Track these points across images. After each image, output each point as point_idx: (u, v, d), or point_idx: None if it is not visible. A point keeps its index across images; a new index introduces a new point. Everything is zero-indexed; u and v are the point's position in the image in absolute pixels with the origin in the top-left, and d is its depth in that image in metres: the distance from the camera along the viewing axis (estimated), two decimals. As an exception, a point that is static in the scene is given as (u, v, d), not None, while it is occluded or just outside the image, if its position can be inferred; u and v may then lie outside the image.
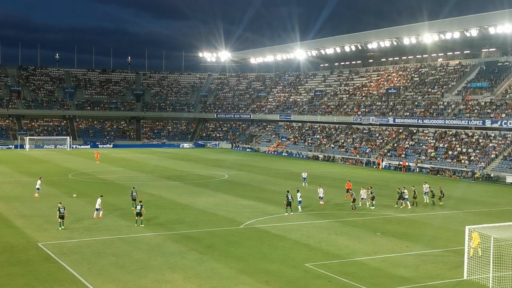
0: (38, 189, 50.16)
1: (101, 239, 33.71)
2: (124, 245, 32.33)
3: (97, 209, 39.87)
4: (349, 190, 49.31)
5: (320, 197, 46.77)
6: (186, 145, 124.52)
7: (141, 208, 37.98)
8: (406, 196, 46.93)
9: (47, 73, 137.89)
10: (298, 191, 45.73)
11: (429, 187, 51.24)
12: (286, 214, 42.10)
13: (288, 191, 43.77)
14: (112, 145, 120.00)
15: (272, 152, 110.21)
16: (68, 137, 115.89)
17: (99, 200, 39.96)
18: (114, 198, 49.02)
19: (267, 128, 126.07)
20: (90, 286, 24.64)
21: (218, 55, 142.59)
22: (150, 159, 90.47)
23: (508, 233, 31.86)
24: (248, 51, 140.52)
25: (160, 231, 36.16)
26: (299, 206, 43.65)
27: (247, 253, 31.20)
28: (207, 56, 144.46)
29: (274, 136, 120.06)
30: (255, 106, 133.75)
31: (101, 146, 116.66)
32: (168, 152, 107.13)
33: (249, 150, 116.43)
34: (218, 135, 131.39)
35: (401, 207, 46.61)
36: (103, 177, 65.28)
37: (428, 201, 49.79)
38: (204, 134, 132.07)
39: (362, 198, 46.53)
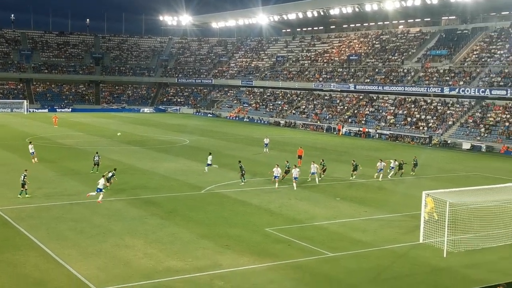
0: (32, 153, 48.39)
1: (60, 204, 33.29)
2: (84, 210, 32.02)
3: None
4: (301, 156, 50.20)
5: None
6: (146, 109, 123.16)
7: (112, 176, 37.57)
8: (382, 168, 44.72)
9: (2, 35, 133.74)
10: (240, 162, 42.95)
11: (396, 161, 47.15)
12: (242, 183, 41.11)
13: (239, 161, 42.91)
14: (70, 109, 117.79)
15: (234, 118, 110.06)
16: (25, 101, 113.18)
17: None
18: (73, 163, 48.34)
19: (228, 94, 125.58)
20: (48, 251, 24.40)
21: (179, 19, 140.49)
22: (110, 124, 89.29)
23: (463, 198, 32.71)
24: (209, 15, 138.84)
25: (120, 196, 35.90)
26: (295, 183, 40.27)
27: (208, 218, 31.30)
28: (168, 19, 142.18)
29: (235, 101, 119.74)
30: (216, 71, 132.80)
31: (59, 110, 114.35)
32: (128, 117, 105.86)
33: (211, 115, 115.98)
34: (179, 100, 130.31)
35: (375, 177, 44.71)
36: (62, 141, 64.21)
37: (393, 175, 46.40)
38: (165, 99, 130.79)
39: (312, 173, 43.09)
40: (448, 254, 25.50)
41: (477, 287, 20.53)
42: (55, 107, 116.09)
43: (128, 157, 53.04)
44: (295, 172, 40.17)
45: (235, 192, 38.27)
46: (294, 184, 39.90)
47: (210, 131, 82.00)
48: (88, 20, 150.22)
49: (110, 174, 37.74)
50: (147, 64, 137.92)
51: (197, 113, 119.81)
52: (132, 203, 34.21)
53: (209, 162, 45.78)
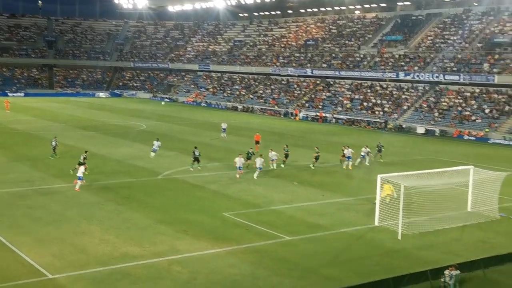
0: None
1: (14, 191, 32.58)
2: (38, 197, 31.42)
3: None
4: (258, 142, 49.95)
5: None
6: (102, 94, 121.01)
7: (83, 159, 36.88)
8: (350, 155, 42.85)
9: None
10: (195, 148, 41.34)
11: (367, 148, 45.99)
12: (192, 169, 40.25)
13: (195, 147, 41.60)
14: (23, 93, 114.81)
15: (191, 103, 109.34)
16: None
17: None
18: (26, 149, 47.31)
19: (185, 78, 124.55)
20: (1, 239, 23.88)
21: (134, 2, 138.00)
22: (64, 109, 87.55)
23: (417, 181, 33.40)
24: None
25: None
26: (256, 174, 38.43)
27: (165, 203, 31.13)
28: (123, 2, 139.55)
29: (193, 86, 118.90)
30: (173, 55, 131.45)
31: (11, 94, 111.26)
32: (83, 102, 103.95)
33: (168, 100, 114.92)
34: (135, 84, 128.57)
35: (344, 168, 42.95)
36: (14, 126, 62.68)
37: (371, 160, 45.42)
38: (120, 84, 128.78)
39: (272, 159, 41.92)
40: (402, 237, 26.03)
41: (430, 268, 21.01)
42: (6, 92, 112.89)
43: (83, 142, 52.12)
44: (259, 161, 38.44)
45: (192, 177, 38.11)
46: (256, 173, 38.12)
47: (167, 116, 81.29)
48: (40, 2, 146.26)
49: (82, 158, 37.09)
50: (102, 48, 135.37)
51: (154, 98, 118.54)
52: (88, 189, 33.70)
53: (155, 147, 45.30)
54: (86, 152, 38.33)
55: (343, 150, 43.83)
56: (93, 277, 20.33)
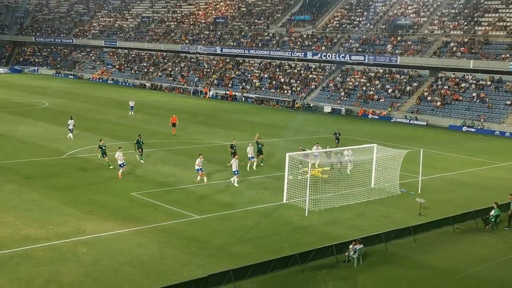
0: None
1: None
2: None
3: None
4: (175, 124, 47.66)
5: (250, 157, 35.43)
6: (1, 70, 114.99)
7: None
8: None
9: None
10: (139, 136, 37.05)
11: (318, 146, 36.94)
12: (142, 161, 35.99)
13: (139, 135, 37.21)
14: None
15: (97, 80, 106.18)
16: None
17: None
18: None
19: (91, 54, 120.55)
20: None
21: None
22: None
23: (323, 159, 34.24)
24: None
25: (-28, 162, 33.48)
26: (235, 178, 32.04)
27: (70, 184, 30.13)
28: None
29: (98, 62, 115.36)
30: (78, 30, 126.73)
31: None
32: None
33: (72, 77, 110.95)
34: (37, 60, 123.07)
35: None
36: None
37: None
38: (21, 59, 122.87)
39: (250, 158, 35.44)
40: (309, 213, 26.62)
41: (335, 242, 21.63)
42: None
43: (-20, 120, 49.41)
44: (234, 163, 31.50)
45: (97, 157, 37.06)
46: (234, 179, 31.61)
47: (71, 93, 78.50)
48: None
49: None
50: (0, 21, 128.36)
51: (58, 75, 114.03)
52: (-14, 169, 32.04)
53: (70, 127, 43.08)
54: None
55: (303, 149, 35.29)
56: (-8, 262, 19.40)
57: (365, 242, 21.56)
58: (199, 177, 31.63)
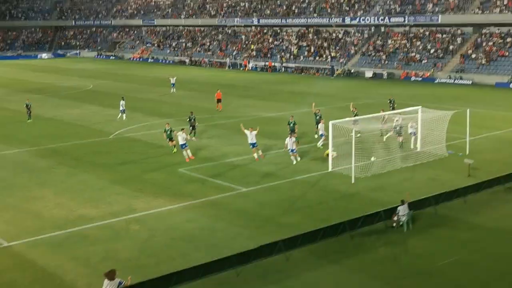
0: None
1: (-41, 161, 31.60)
2: (-15, 165, 30.58)
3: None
4: (220, 100, 46.80)
5: (291, 149, 30.12)
6: (44, 55, 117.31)
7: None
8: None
9: None
10: (191, 113, 36.62)
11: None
12: (194, 138, 34.90)
13: (191, 112, 36.75)
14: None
15: (138, 59, 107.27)
16: None
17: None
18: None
19: (130, 34, 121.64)
20: (-49, 211, 23.25)
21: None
22: (6, 72, 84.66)
23: (367, 125, 33.89)
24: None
25: (24, 147, 34.47)
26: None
27: (118, 163, 30.76)
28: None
29: (138, 42, 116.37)
30: (115, 10, 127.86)
31: None
32: (25, 64, 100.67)
33: (113, 57, 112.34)
34: (78, 43, 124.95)
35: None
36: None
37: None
38: (63, 43, 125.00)
39: (291, 150, 30.08)
40: (356, 180, 26.54)
41: (384, 208, 21.56)
42: None
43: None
44: (290, 142, 29.94)
45: (144, 135, 37.70)
46: (292, 158, 30.17)
47: (114, 74, 79.64)
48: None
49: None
50: (40, 6, 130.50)
51: (99, 56, 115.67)
52: (37, 153, 33.00)
53: (122, 108, 43.11)
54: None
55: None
56: (50, 242, 20.09)
57: (414, 206, 21.41)
58: (255, 154, 30.61)
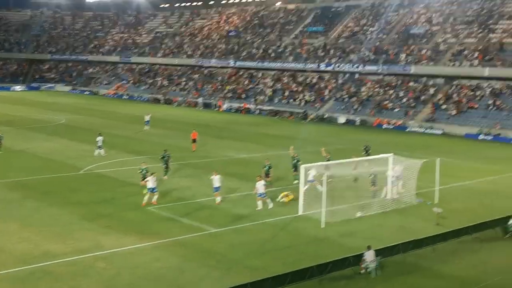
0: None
1: None
2: (-50, 196, 29.94)
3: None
4: (195, 140, 46.75)
5: (215, 187, 30.27)
6: (18, 87, 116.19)
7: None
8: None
9: None
10: (165, 151, 36.71)
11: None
12: (166, 177, 35.36)
13: (165, 150, 37.04)
14: None
15: (113, 95, 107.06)
16: None
17: None
18: None
19: (106, 70, 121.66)
20: None
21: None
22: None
23: (339, 170, 34.10)
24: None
25: (-9, 179, 33.90)
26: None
27: (88, 199, 30.40)
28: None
29: (114, 78, 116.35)
30: (92, 46, 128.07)
31: None
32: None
33: (88, 93, 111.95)
34: (53, 76, 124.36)
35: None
36: None
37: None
38: (38, 76, 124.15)
39: (260, 195, 29.29)
40: (326, 225, 26.60)
41: (353, 254, 21.59)
42: None
43: (-1, 138, 49.94)
44: (259, 185, 29.23)
45: (115, 172, 37.41)
46: (259, 202, 29.32)
47: (88, 109, 79.25)
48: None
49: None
50: (17, 39, 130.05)
51: (74, 91, 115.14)
52: (5, 185, 32.47)
53: (99, 143, 42.49)
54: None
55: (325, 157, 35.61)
56: (13, 277, 19.64)
57: (382, 253, 21.51)
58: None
